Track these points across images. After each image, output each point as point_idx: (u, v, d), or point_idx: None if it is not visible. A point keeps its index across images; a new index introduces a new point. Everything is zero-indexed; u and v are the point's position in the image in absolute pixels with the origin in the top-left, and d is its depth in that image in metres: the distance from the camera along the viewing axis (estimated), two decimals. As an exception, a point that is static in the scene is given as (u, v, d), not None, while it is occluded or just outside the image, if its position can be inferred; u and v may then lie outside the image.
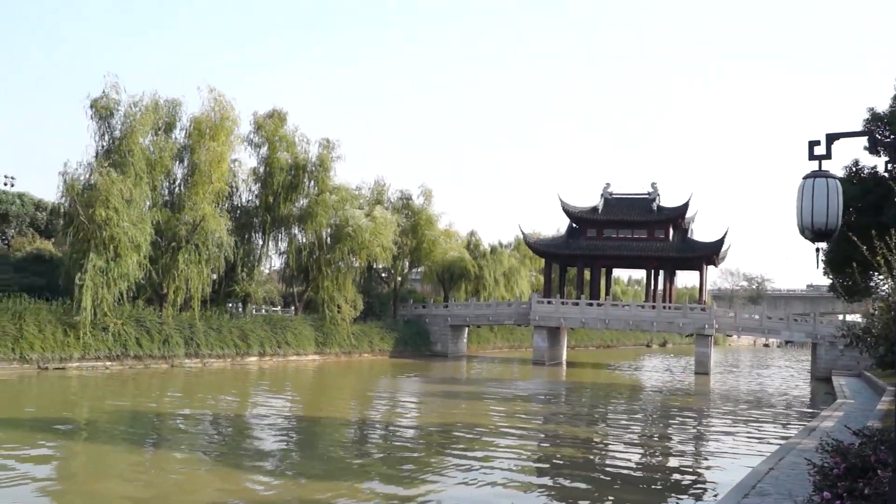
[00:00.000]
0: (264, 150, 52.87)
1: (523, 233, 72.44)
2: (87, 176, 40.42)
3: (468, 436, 23.61)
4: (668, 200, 67.56)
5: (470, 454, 20.24)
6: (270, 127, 52.47)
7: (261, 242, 54.13)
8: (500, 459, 19.57)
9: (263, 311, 55.97)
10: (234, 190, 51.85)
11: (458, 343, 66.73)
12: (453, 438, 23.05)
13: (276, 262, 59.00)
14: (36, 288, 40.88)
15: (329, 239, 54.48)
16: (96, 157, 42.65)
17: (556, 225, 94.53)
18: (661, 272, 72.02)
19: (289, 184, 52.88)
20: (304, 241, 54.67)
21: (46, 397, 30.01)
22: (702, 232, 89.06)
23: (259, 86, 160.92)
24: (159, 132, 45.30)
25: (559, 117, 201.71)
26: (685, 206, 65.02)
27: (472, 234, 77.04)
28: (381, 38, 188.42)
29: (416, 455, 20.59)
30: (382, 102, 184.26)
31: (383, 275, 68.54)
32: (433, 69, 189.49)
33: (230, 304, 51.87)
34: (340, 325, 54.41)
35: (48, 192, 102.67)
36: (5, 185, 58.65)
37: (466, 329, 68.12)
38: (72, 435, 21.88)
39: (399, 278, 68.36)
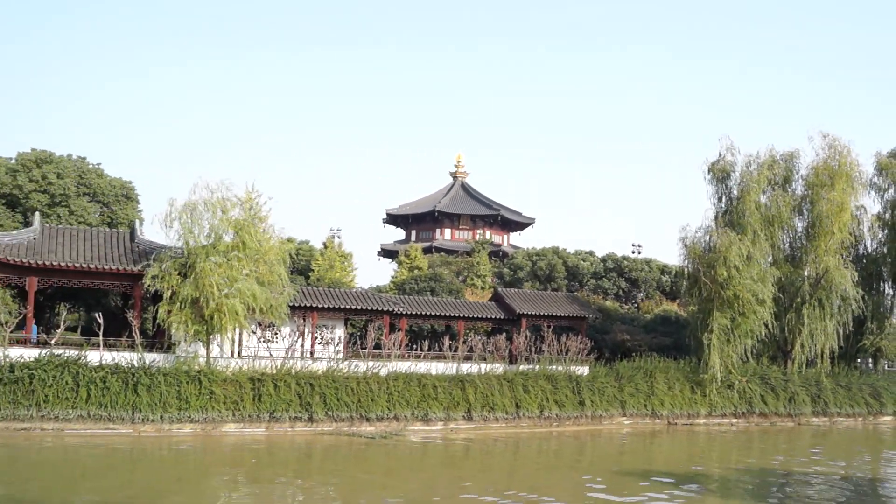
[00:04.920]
0: (890, 192, 48.30)
1: None
2: (706, 238, 41.66)
3: None
4: None
5: None
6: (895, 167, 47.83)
7: (891, 293, 49.23)
8: None
9: (897, 366, 51.11)
10: (858, 239, 48.19)
11: None
12: None
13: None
14: (663, 347, 43.44)
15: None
16: (715, 218, 43.76)
17: None
18: None
19: (922, 226, 47.29)
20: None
21: (676, 452, 31.28)
22: None
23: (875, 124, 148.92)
24: (775, 187, 44.64)
25: None
26: None
27: None
28: None
29: None
30: None
31: None
32: None
33: (859, 360, 48.50)
34: None
35: (670, 256, 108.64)
36: (633, 252, 63.92)
37: None
38: (703, 490, 22.34)
39: None
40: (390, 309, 38.94)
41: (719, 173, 44.83)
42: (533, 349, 39.27)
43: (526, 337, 39.73)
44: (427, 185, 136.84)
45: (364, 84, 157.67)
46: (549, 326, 40.74)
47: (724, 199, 44.70)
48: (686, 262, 42.52)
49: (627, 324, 47.57)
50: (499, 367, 37.10)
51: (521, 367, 37.38)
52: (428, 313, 40.77)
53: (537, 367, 37.52)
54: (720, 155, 44.99)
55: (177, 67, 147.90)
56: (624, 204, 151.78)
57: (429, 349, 38.61)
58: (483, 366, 36.75)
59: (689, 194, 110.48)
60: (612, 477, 23.62)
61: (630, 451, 31.32)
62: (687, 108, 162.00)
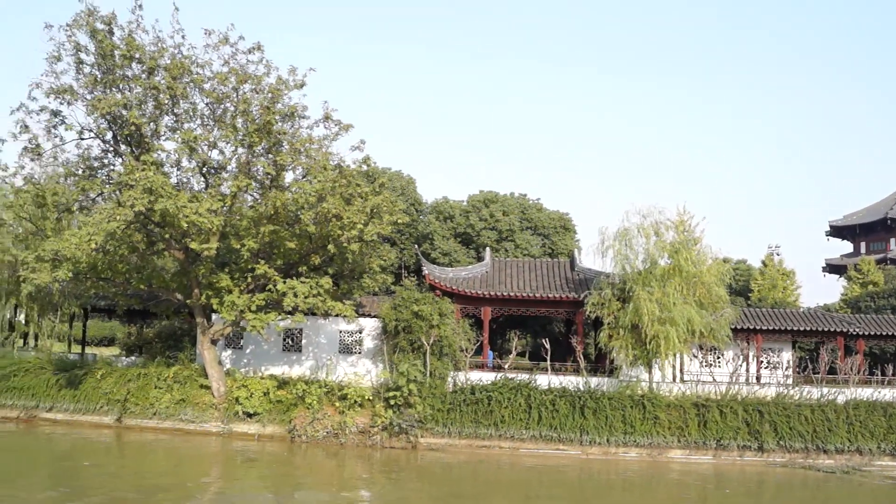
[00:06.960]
0: None
1: None
2: None
3: None
4: None
5: None
6: None
7: None
8: None
9: None
10: None
11: None
12: None
13: None
14: None
15: None
16: None
17: None
18: None
19: None
20: None
21: None
22: None
23: None
24: None
25: None
26: None
27: None
28: None
29: None
30: None
31: None
32: None
33: None
34: None
35: None
36: None
37: None
38: None
39: None
40: (844, 329, 35.59)
41: None
42: None
43: None
44: (874, 191, 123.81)
45: (804, 94, 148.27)
46: None
47: None
48: None
49: None
50: None
51: None
52: (890, 333, 36.49)
53: None
54: None
55: (582, 99, 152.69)
56: None
57: (893, 374, 34.40)
58: (965, 394, 31.86)
59: None
60: None
61: None
62: None
